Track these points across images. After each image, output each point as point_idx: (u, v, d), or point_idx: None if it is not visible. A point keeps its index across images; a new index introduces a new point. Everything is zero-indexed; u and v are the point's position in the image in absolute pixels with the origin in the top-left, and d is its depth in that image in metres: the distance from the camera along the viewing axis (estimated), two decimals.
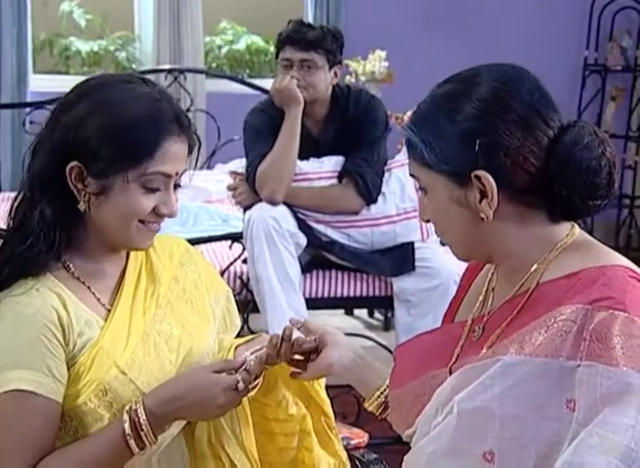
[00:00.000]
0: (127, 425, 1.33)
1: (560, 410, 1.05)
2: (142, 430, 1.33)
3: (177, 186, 1.43)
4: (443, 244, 1.31)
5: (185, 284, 1.53)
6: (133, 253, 1.50)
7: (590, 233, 1.18)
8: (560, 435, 1.05)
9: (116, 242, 1.43)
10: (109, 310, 1.43)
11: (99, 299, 1.43)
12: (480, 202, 1.17)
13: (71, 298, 1.39)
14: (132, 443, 1.33)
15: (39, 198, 1.39)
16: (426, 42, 5.33)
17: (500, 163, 1.15)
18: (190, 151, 1.44)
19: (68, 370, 1.35)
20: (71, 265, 1.42)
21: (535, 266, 1.19)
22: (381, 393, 1.42)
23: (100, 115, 1.35)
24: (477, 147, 1.15)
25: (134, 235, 1.41)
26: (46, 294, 1.36)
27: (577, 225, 1.23)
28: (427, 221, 1.27)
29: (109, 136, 1.35)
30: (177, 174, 1.41)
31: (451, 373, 1.20)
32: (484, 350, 1.15)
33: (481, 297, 1.29)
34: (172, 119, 1.38)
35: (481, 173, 1.16)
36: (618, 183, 4.47)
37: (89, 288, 1.43)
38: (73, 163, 1.36)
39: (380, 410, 1.42)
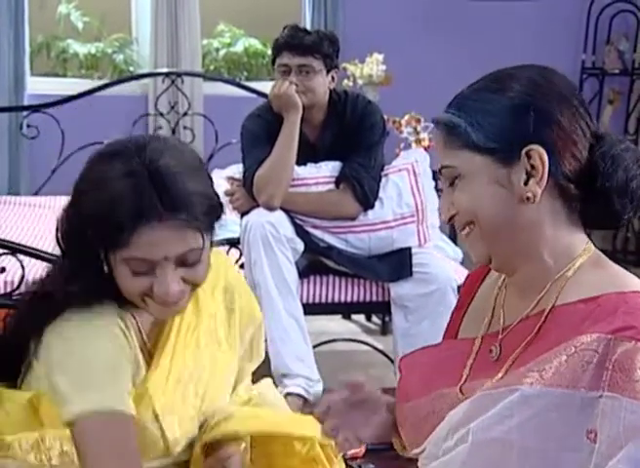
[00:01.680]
0: None
1: (580, 441, 1.03)
2: None
3: (191, 263, 1.33)
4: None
5: (220, 322, 1.50)
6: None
7: (588, 237, 1.17)
8: (581, 465, 1.03)
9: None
10: (152, 344, 1.42)
11: (141, 331, 1.42)
12: (526, 183, 1.13)
13: (132, 330, 1.40)
14: None
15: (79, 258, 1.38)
16: (424, 45, 5.32)
17: (553, 140, 1.12)
18: (204, 229, 1.33)
19: None
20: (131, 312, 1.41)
21: (550, 284, 1.16)
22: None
23: (81, 198, 1.33)
24: (531, 117, 1.12)
25: (146, 307, 1.37)
26: (110, 310, 1.36)
27: (591, 241, 1.21)
28: (450, 220, 1.21)
29: (88, 218, 1.31)
30: (166, 258, 1.30)
31: (462, 393, 1.18)
32: (499, 375, 1.13)
33: (489, 313, 1.25)
34: (151, 203, 1.27)
35: (534, 147, 1.12)
36: None
37: (134, 317, 1.41)
38: (88, 230, 1.33)
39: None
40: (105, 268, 1.34)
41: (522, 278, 1.20)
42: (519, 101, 1.14)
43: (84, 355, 1.30)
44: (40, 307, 1.36)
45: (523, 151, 1.13)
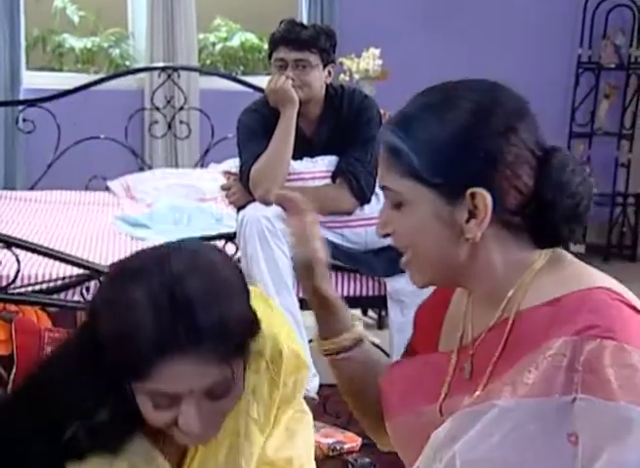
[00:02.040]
0: None
1: (562, 446, 1.02)
2: None
3: (218, 395, 1.18)
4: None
5: (259, 397, 1.37)
6: None
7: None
8: None
9: None
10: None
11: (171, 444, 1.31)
12: (467, 221, 1.11)
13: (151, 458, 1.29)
14: None
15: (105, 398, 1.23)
16: (420, 39, 5.32)
17: (498, 181, 1.09)
18: (232, 356, 1.17)
19: None
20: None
21: (511, 292, 1.14)
22: (343, 340, 1.36)
23: (100, 318, 1.19)
24: (477, 158, 1.09)
25: (176, 438, 1.23)
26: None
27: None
28: (386, 236, 1.18)
29: (108, 349, 1.17)
30: (191, 392, 1.15)
31: (441, 411, 1.17)
32: (477, 391, 1.11)
33: (460, 326, 1.23)
34: (172, 334, 1.12)
35: (479, 190, 1.09)
36: (611, 181, 4.50)
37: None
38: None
39: (329, 355, 1.37)
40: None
41: (480, 293, 1.19)
42: (466, 138, 1.10)
43: None
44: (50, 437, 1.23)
45: (468, 192, 1.10)
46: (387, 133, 1.15)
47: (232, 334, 1.16)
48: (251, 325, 1.21)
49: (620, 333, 1.03)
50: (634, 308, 1.09)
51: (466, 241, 1.12)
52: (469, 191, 1.10)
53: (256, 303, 1.26)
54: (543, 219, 1.12)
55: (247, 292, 1.22)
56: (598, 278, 1.13)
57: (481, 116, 1.11)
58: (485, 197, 1.09)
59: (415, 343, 1.37)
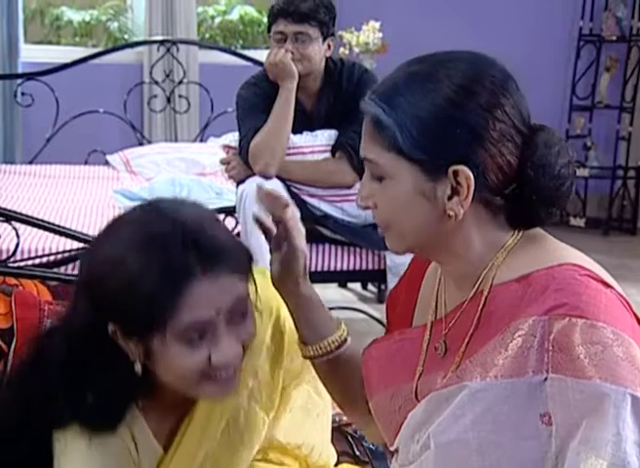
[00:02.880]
0: None
1: (536, 427, 1.02)
2: None
3: (241, 316, 1.23)
4: (373, 227, 1.12)
5: (262, 377, 1.39)
6: None
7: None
8: (541, 451, 1.02)
9: (189, 394, 1.28)
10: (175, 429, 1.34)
11: (161, 419, 1.34)
12: (450, 199, 1.09)
13: (140, 427, 1.32)
14: None
15: (93, 368, 1.26)
16: (420, 12, 5.29)
17: (481, 159, 1.08)
18: (245, 273, 1.24)
19: None
20: (141, 408, 1.32)
21: (485, 271, 1.13)
22: (315, 349, 1.33)
23: (110, 276, 1.19)
24: (463, 138, 1.07)
25: (200, 391, 1.24)
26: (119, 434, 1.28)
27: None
28: (366, 208, 1.16)
29: (124, 299, 1.18)
30: (218, 313, 1.19)
31: (417, 391, 1.17)
32: (450, 371, 1.11)
33: (434, 303, 1.22)
34: (187, 261, 1.16)
35: (462, 168, 1.07)
36: (612, 154, 4.47)
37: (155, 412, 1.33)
38: (111, 326, 1.22)
39: (307, 358, 1.35)
40: (137, 367, 1.23)
41: (453, 271, 1.18)
42: (450, 112, 1.07)
43: None
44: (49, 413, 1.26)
45: (450, 169, 1.08)
46: (372, 104, 1.12)
47: (237, 252, 1.23)
48: (247, 250, 1.28)
49: (588, 310, 1.03)
50: (604, 283, 1.08)
51: (449, 218, 1.10)
52: (452, 168, 1.08)
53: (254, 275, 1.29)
54: (523, 200, 1.10)
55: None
56: (568, 254, 1.12)
57: (467, 90, 1.09)
58: (468, 175, 1.08)
59: (391, 324, 1.35)
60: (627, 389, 1.00)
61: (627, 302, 1.09)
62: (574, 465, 1.00)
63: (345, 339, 1.34)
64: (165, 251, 1.17)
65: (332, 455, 1.56)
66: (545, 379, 1.02)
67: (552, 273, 1.07)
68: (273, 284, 1.34)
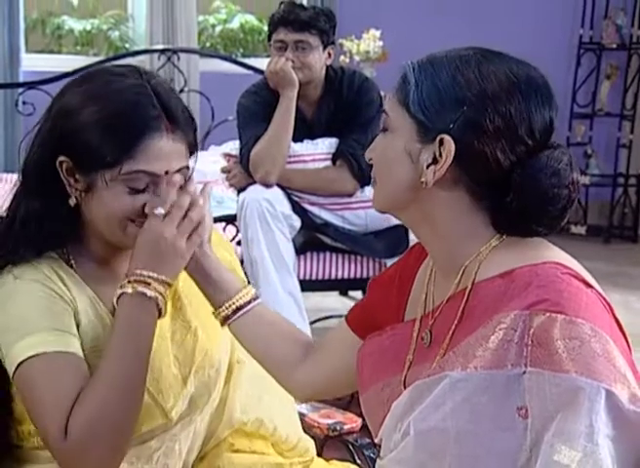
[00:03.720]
0: (129, 289, 1.29)
1: (512, 419, 1.04)
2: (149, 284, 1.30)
3: (183, 185, 1.35)
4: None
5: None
6: None
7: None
8: (516, 443, 1.04)
9: (111, 240, 1.37)
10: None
11: (104, 303, 1.38)
12: (428, 166, 1.13)
13: (75, 282, 1.36)
14: (147, 291, 1.29)
15: (30, 190, 1.37)
16: (420, 20, 5.30)
17: (470, 141, 1.11)
18: (191, 150, 1.37)
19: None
20: (73, 261, 1.38)
21: (468, 261, 1.16)
22: (227, 307, 1.39)
23: (89, 105, 1.31)
24: (460, 114, 1.11)
25: (125, 236, 1.34)
26: (45, 271, 1.34)
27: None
28: (369, 160, 1.22)
29: (93, 128, 1.29)
30: (166, 173, 1.32)
31: (405, 382, 1.19)
32: (434, 364, 1.13)
33: (424, 295, 1.25)
34: (157, 115, 1.30)
35: (447, 138, 1.12)
36: (613, 162, 4.46)
37: (96, 293, 1.38)
38: (62, 157, 1.32)
39: (224, 322, 1.41)
40: (72, 201, 1.33)
41: (438, 256, 1.21)
42: (459, 87, 1.13)
43: (15, 309, 1.31)
44: None
45: (438, 137, 1.12)
46: (409, 62, 1.19)
47: (193, 127, 1.36)
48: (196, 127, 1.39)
49: (568, 307, 1.04)
50: (585, 282, 1.10)
51: (420, 185, 1.14)
52: (439, 136, 1.12)
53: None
54: (505, 206, 1.12)
55: None
56: (552, 253, 1.14)
57: (483, 75, 1.13)
58: (450, 145, 1.12)
59: (366, 304, 1.38)
60: (602, 383, 1.02)
61: (608, 303, 1.12)
62: (547, 456, 1.02)
63: (256, 297, 1.42)
64: (138, 100, 1.30)
65: (305, 440, 1.58)
66: (524, 373, 1.04)
67: (535, 270, 1.09)
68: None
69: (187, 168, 1.37)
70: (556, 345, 1.03)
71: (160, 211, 1.31)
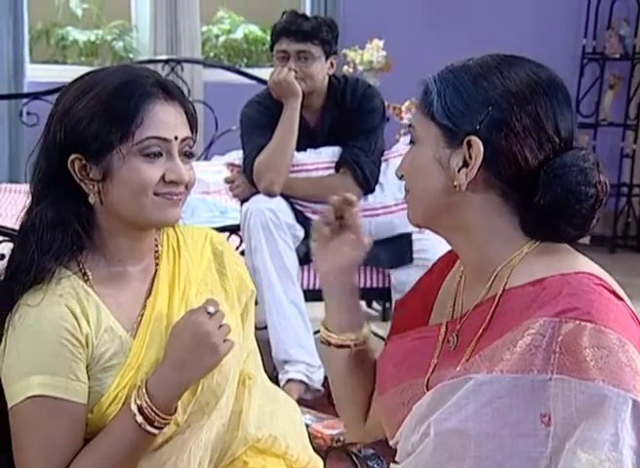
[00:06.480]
0: (139, 419, 1.32)
1: (534, 426, 1.04)
2: (153, 419, 1.33)
3: (188, 155, 1.40)
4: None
5: (213, 287, 1.49)
6: (164, 254, 1.46)
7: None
8: (536, 450, 1.04)
9: (139, 223, 1.38)
10: (141, 316, 1.40)
11: (123, 307, 1.39)
12: (459, 170, 1.14)
13: (93, 303, 1.37)
14: (149, 429, 1.33)
15: (42, 201, 1.38)
16: (424, 30, 5.31)
17: (498, 140, 1.12)
18: (190, 120, 1.41)
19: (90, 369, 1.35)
20: (89, 272, 1.39)
21: (500, 267, 1.16)
22: (355, 338, 1.38)
23: (84, 97, 1.34)
24: (485, 115, 1.12)
25: (152, 211, 1.36)
26: (62, 300, 1.34)
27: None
28: (401, 178, 1.23)
29: (95, 113, 1.33)
30: (176, 138, 1.36)
31: (428, 385, 1.19)
32: (459, 367, 1.13)
33: (452, 301, 1.25)
34: (154, 84, 1.36)
35: (475, 139, 1.13)
36: (616, 172, 4.45)
37: (113, 295, 1.39)
38: (72, 156, 1.34)
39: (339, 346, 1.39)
40: (92, 198, 1.36)
41: (470, 262, 1.21)
42: (485, 94, 1.14)
43: (27, 345, 1.33)
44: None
45: (466, 139, 1.14)
46: (432, 75, 1.21)
47: (190, 102, 1.43)
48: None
49: (598, 317, 1.05)
50: (616, 295, 1.11)
51: (454, 189, 1.15)
52: (467, 138, 1.13)
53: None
54: (534, 206, 1.13)
55: None
56: (584, 263, 1.15)
57: (504, 76, 1.15)
58: (479, 146, 1.12)
59: (394, 327, 1.37)
60: (629, 393, 1.02)
61: (636, 316, 1.12)
62: (569, 464, 1.01)
63: (368, 337, 1.40)
64: (130, 76, 1.37)
65: (315, 459, 1.57)
66: (550, 379, 1.04)
67: (567, 279, 1.10)
68: (325, 276, 1.41)
69: (193, 140, 1.41)
70: (584, 353, 1.03)
71: (210, 309, 1.34)
